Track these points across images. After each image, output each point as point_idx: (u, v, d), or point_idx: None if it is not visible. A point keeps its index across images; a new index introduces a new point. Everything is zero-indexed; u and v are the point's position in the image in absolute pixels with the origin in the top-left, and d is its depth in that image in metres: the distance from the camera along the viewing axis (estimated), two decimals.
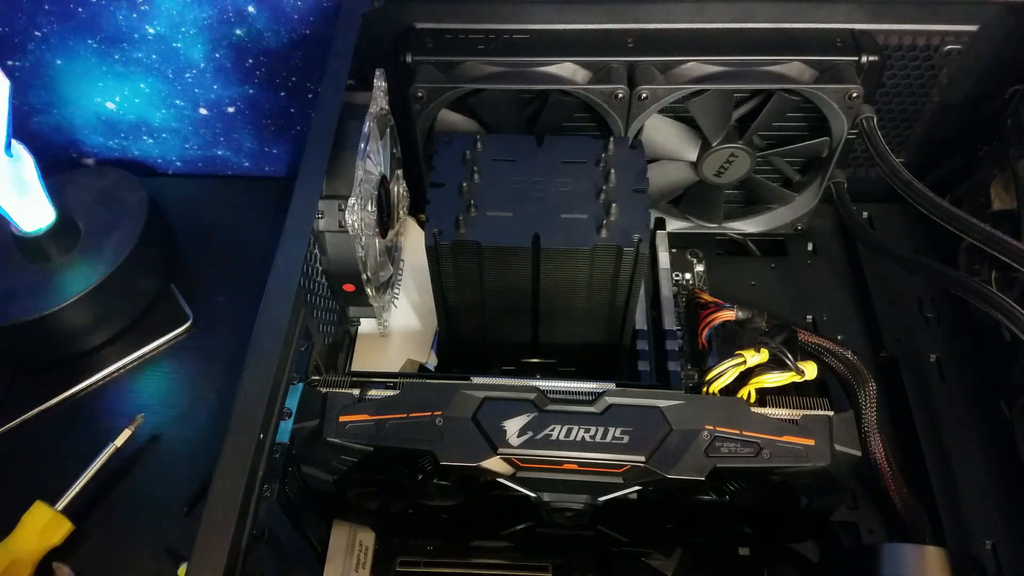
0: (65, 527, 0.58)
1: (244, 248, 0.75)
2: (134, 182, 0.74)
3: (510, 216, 0.50)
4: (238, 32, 0.70)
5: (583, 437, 0.43)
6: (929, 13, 0.58)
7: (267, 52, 0.72)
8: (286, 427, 0.45)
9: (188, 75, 0.74)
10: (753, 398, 0.50)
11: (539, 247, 0.49)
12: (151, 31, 0.70)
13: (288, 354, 0.45)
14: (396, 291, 0.66)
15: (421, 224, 0.69)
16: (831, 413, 0.45)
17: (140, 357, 0.69)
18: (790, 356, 0.51)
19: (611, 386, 0.47)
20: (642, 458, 0.43)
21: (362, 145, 0.52)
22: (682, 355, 0.59)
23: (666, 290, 0.61)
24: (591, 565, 0.56)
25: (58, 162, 0.83)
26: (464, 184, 0.50)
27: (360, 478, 0.48)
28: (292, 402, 0.46)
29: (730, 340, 0.54)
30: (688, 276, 0.68)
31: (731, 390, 0.51)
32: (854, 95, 0.56)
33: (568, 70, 0.57)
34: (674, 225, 0.69)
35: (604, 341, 0.57)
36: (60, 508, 0.58)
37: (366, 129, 0.53)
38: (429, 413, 0.44)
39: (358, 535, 0.55)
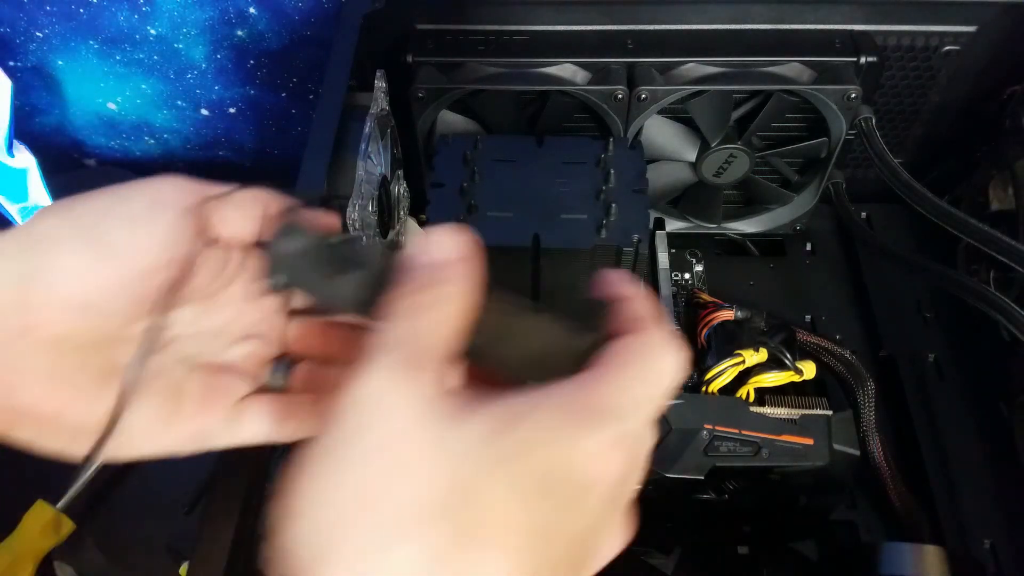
0: (66, 526, 0.58)
1: None
2: None
3: (510, 216, 0.50)
4: (239, 33, 0.70)
5: None
6: (928, 14, 0.58)
7: (268, 53, 0.72)
8: None
9: (189, 76, 0.75)
10: (752, 397, 0.51)
11: (539, 247, 0.49)
12: (152, 32, 0.71)
13: None
14: None
15: (421, 224, 0.69)
16: (830, 412, 0.46)
17: None
18: (789, 356, 0.51)
19: None
20: None
21: (363, 146, 0.52)
22: None
23: (665, 290, 0.61)
24: None
25: (60, 163, 0.84)
26: (464, 184, 0.51)
27: None
28: None
29: (729, 340, 0.54)
30: (687, 276, 0.68)
31: (730, 389, 0.51)
32: (852, 96, 0.57)
33: (568, 71, 0.58)
34: (673, 225, 0.69)
35: None
36: (61, 507, 0.58)
37: (367, 130, 0.53)
38: None
39: None
